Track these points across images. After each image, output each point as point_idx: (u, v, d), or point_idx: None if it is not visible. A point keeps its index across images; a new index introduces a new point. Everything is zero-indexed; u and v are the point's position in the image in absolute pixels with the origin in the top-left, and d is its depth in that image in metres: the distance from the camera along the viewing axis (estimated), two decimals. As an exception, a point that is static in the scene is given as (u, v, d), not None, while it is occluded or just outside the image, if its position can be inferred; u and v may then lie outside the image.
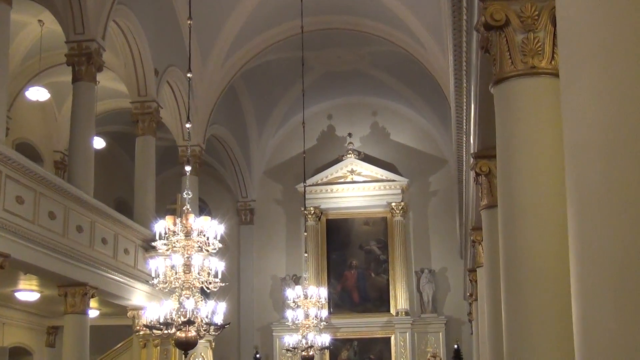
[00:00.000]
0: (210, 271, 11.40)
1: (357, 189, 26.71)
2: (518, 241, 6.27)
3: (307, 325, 16.93)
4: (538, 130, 6.27)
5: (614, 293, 3.05)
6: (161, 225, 11.20)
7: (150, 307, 11.77)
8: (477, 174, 10.23)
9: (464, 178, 15.09)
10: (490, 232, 10.01)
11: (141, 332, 17.45)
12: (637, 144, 3.03)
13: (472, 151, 10.64)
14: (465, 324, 25.80)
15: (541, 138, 6.24)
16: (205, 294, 12.09)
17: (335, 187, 26.77)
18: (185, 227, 11.12)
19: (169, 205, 17.90)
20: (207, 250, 11.31)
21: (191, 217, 11.23)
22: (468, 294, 21.73)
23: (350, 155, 26.89)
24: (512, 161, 6.41)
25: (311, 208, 26.36)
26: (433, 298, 26.17)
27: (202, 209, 25.47)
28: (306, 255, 22.18)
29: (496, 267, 7.86)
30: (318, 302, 17.05)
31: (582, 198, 3.26)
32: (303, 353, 16.99)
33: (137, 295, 17.82)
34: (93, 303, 17.14)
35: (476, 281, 16.17)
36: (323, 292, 17.57)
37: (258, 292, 27.27)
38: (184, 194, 11.59)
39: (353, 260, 26.97)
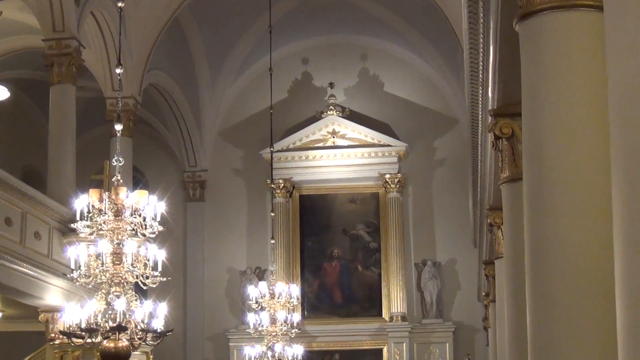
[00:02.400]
0: (147, 262, 11.41)
1: (340, 155, 26.72)
2: (548, 224, 6.30)
3: (274, 333, 17.01)
4: (576, 79, 6.28)
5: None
6: (83, 202, 11.18)
7: (68, 308, 11.77)
8: (497, 137, 10.26)
9: (479, 143, 15.14)
10: (512, 212, 10.07)
11: (57, 341, 17.44)
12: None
13: (490, 107, 10.67)
14: (479, 332, 25.99)
15: (580, 89, 6.25)
16: (141, 291, 12.11)
17: (311, 153, 26.77)
18: (115, 204, 11.11)
19: (93, 176, 17.85)
20: (144, 235, 11.32)
21: (123, 191, 11.22)
22: (483, 294, 21.87)
23: (331, 112, 26.87)
24: (542, 120, 6.43)
25: (280, 180, 26.36)
26: (438, 299, 26.31)
27: (138, 180, 25.41)
28: (273, 242, 22.21)
29: (520, 258, 7.91)
30: (288, 303, 17.12)
31: (631, 166, 3.27)
32: (268, 369, 17.09)
33: (52, 293, 17.81)
34: (-6, 303, 17.12)
35: (494, 277, 16.28)
36: (295, 290, 17.64)
37: (210, 289, 27.31)
38: (114, 160, 11.57)
39: (334, 248, 27.05)
